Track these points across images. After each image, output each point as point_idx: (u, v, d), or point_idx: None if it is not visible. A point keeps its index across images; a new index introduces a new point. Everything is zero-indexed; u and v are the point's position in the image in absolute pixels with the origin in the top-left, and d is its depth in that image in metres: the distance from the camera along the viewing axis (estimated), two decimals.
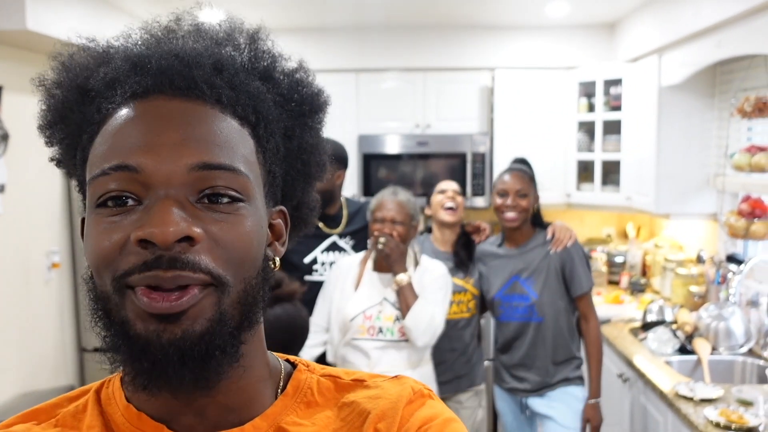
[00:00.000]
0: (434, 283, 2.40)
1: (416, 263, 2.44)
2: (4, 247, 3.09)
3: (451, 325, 2.56)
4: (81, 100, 0.62)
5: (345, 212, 2.71)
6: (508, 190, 2.58)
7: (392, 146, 4.15)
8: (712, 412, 2.20)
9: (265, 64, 0.66)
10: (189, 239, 0.54)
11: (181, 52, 0.61)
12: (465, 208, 2.87)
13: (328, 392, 0.67)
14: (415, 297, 2.31)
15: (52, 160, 0.68)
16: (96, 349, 3.65)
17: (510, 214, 2.57)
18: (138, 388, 0.57)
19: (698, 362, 2.87)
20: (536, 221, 2.68)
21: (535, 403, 2.64)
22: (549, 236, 2.62)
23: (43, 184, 3.42)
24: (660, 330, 3.08)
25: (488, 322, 3.48)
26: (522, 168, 2.68)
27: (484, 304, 2.76)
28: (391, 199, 2.38)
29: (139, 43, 0.63)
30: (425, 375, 2.39)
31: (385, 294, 2.37)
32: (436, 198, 2.75)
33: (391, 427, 0.62)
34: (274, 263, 0.65)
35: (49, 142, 0.66)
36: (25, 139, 3.13)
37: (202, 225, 0.55)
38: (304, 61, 0.70)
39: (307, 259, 2.62)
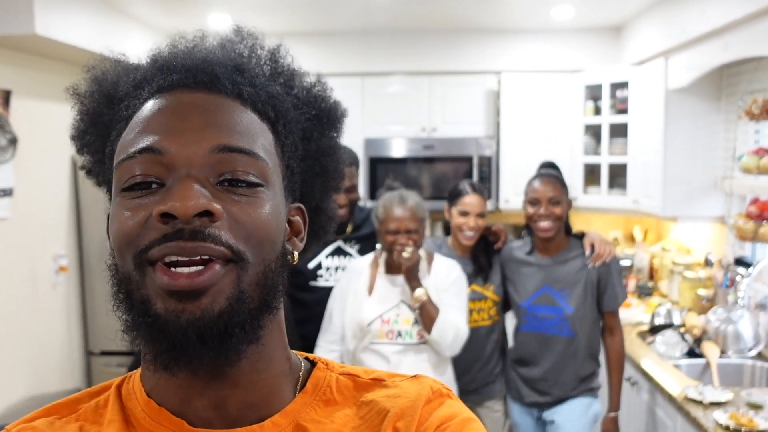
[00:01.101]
0: (451, 288, 2.34)
1: (428, 262, 2.39)
2: (13, 251, 3.10)
3: (472, 333, 2.48)
4: (110, 105, 0.65)
5: (351, 217, 2.70)
6: (540, 198, 2.46)
7: (398, 150, 4.16)
8: (721, 416, 2.19)
9: (284, 79, 0.69)
10: (209, 214, 0.56)
11: (204, 53, 0.65)
12: None
13: (347, 391, 0.67)
14: (437, 310, 2.25)
15: (82, 168, 0.71)
16: (103, 353, 3.66)
17: (544, 224, 2.46)
18: (159, 368, 0.58)
19: (707, 366, 2.85)
20: (566, 229, 2.58)
21: (550, 413, 2.59)
22: (588, 251, 2.52)
23: (51, 188, 3.44)
24: (668, 333, 3.06)
25: None
26: (553, 173, 2.58)
27: (505, 307, 2.69)
28: (401, 207, 2.30)
29: (167, 50, 0.67)
30: (447, 376, 2.37)
31: (402, 297, 2.32)
32: (458, 219, 2.59)
33: (410, 425, 0.62)
34: (293, 257, 0.66)
35: (81, 150, 0.69)
36: (34, 143, 3.15)
37: (222, 204, 0.57)
38: (321, 75, 0.73)
39: (311, 264, 2.60)
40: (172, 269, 0.56)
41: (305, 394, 0.66)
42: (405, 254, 2.25)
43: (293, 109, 0.67)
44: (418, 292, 2.26)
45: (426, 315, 2.25)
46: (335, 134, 0.73)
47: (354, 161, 2.65)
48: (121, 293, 0.59)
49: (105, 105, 0.66)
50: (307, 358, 0.71)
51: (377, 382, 0.68)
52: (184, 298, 0.55)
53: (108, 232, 0.62)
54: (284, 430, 0.62)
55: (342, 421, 0.64)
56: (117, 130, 0.64)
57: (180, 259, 0.56)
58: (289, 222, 0.67)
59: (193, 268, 0.56)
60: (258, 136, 0.62)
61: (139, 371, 0.66)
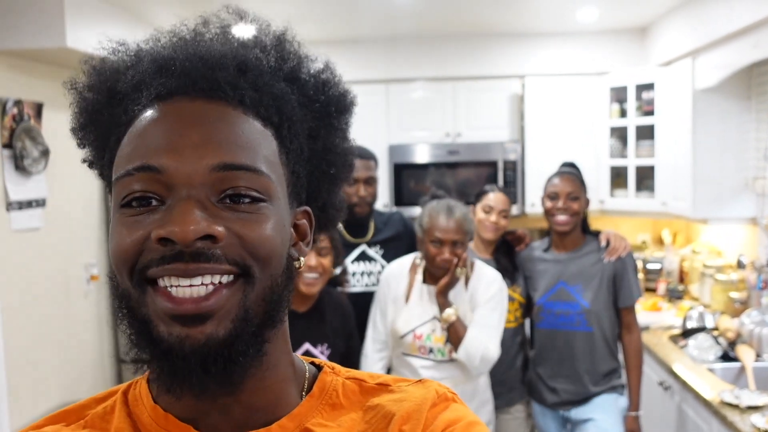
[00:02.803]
0: (489, 303, 2.28)
1: (467, 275, 2.34)
2: (46, 260, 3.16)
3: None
4: (110, 103, 0.63)
5: (372, 221, 2.69)
6: (559, 193, 2.52)
7: (423, 156, 4.16)
8: (759, 419, 2.15)
9: (291, 65, 0.66)
10: (211, 238, 0.55)
11: (205, 54, 0.61)
12: None
13: (354, 395, 0.67)
14: (465, 329, 2.21)
15: (84, 161, 0.70)
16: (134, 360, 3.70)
17: (561, 218, 2.51)
18: (162, 389, 0.59)
19: (742, 370, 2.80)
20: (584, 227, 2.62)
21: (577, 412, 2.57)
22: (603, 243, 2.55)
23: (83, 198, 3.50)
24: (701, 337, 3.01)
25: None
26: (572, 171, 2.63)
27: (528, 310, 2.70)
28: (448, 219, 2.23)
29: (167, 46, 0.64)
30: (478, 395, 2.33)
31: (435, 312, 2.27)
32: (481, 214, 2.64)
33: (416, 428, 0.63)
34: (299, 263, 0.65)
35: (81, 144, 0.68)
36: (65, 154, 3.21)
37: (224, 224, 0.56)
38: (330, 62, 0.70)
39: (337, 270, 2.61)
40: (173, 289, 0.54)
41: (312, 398, 0.66)
42: (458, 273, 2.22)
43: (299, 108, 0.65)
44: (447, 312, 2.21)
45: (454, 335, 2.21)
46: (345, 126, 0.70)
47: (371, 156, 2.65)
48: (123, 308, 0.58)
49: (105, 100, 0.63)
50: (312, 363, 0.71)
51: (383, 387, 0.68)
52: (188, 322, 0.54)
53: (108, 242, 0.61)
54: None
55: (348, 425, 0.64)
56: (116, 135, 0.62)
57: (181, 282, 0.55)
58: (295, 227, 0.65)
59: (195, 290, 0.54)
60: (261, 148, 0.60)
61: (145, 376, 0.66)
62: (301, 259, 0.65)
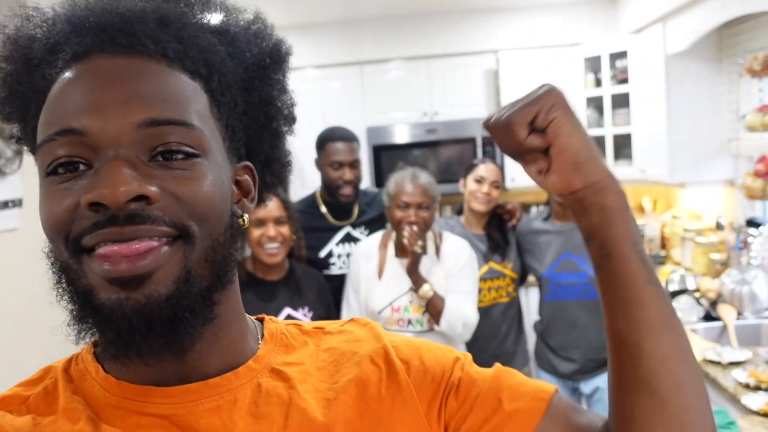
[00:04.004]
0: (462, 272, 2.31)
1: (437, 245, 2.38)
2: (24, 262, 3.12)
3: (489, 311, 2.49)
4: (27, 71, 0.59)
5: (356, 203, 2.68)
6: None
7: (401, 136, 4.16)
8: (741, 374, 2.18)
9: (218, 17, 0.63)
10: (144, 198, 0.52)
11: (122, 9, 0.57)
12: None
13: (298, 336, 0.69)
14: (443, 301, 2.23)
15: (11, 137, 0.66)
16: None
17: None
18: (108, 358, 0.57)
19: (724, 328, 2.84)
20: None
21: (587, 384, 2.58)
22: None
23: None
24: (683, 299, 3.05)
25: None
26: None
27: (521, 282, 2.70)
28: (413, 183, 2.29)
29: (82, 5, 0.60)
30: None
31: (411, 283, 2.29)
32: (472, 185, 2.61)
33: (389, 357, 0.68)
34: (243, 221, 0.62)
35: (6, 119, 0.64)
36: None
37: (158, 183, 0.53)
38: (261, 12, 0.67)
39: (322, 253, 2.59)
40: (110, 254, 0.52)
41: (267, 343, 0.66)
42: (416, 248, 2.22)
43: (229, 59, 0.61)
44: (423, 289, 2.23)
45: (433, 309, 2.23)
46: (281, 78, 0.67)
47: (354, 138, 2.63)
48: (63, 283, 0.56)
49: (22, 69, 0.59)
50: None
51: (319, 329, 0.72)
52: (126, 285, 0.52)
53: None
54: (260, 373, 0.63)
55: (308, 360, 0.66)
56: (35, 103, 0.58)
57: (117, 247, 0.52)
58: (237, 183, 0.63)
59: (134, 245, 0.52)
60: (190, 101, 0.57)
61: (88, 350, 0.63)
62: (245, 216, 0.62)
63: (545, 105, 0.63)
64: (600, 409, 2.51)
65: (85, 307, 0.54)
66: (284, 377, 0.63)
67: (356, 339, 0.69)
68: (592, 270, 2.31)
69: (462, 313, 2.24)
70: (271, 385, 0.62)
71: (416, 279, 2.25)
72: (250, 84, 0.64)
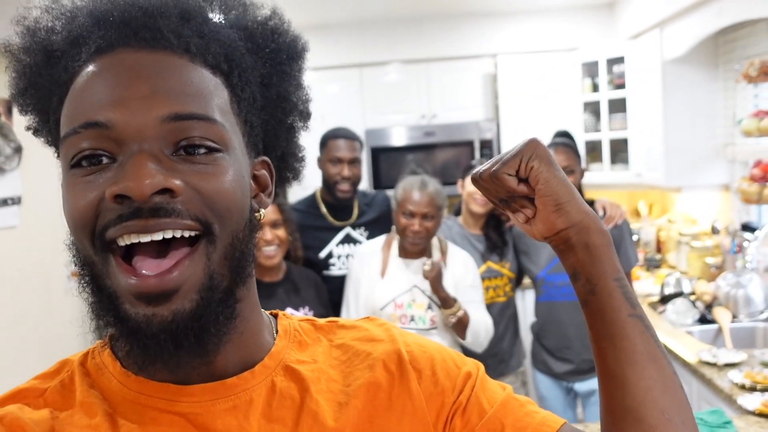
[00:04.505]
0: (474, 283, 2.37)
1: (442, 251, 2.39)
2: (23, 259, 3.13)
3: (487, 310, 2.49)
4: (48, 63, 0.60)
5: (356, 203, 2.70)
6: None
7: (399, 138, 4.18)
8: (737, 375, 2.20)
9: (236, 13, 0.64)
10: (168, 192, 0.53)
11: (145, 4, 0.58)
12: None
13: (311, 332, 0.70)
14: (467, 315, 2.25)
15: (28, 129, 0.66)
16: None
17: None
18: (132, 367, 0.58)
19: (719, 331, 2.86)
20: None
21: (582, 385, 2.60)
22: (600, 213, 2.55)
23: (59, 194, 3.44)
24: (679, 302, 3.07)
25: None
26: (567, 142, 2.59)
27: (518, 284, 2.72)
28: (420, 192, 2.29)
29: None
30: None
31: (415, 281, 2.30)
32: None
33: (402, 363, 0.68)
34: (260, 215, 0.63)
35: (23, 110, 0.64)
36: (39, 150, 3.15)
37: (181, 177, 0.54)
38: (278, 8, 0.68)
39: (322, 254, 2.59)
40: (136, 268, 0.53)
41: (281, 339, 0.67)
42: (426, 267, 2.22)
43: (248, 55, 0.62)
44: (456, 307, 2.23)
45: (460, 324, 2.24)
46: (297, 74, 0.68)
47: (355, 137, 2.65)
48: (87, 276, 0.57)
49: (42, 61, 0.60)
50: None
51: (333, 323, 0.72)
52: (153, 300, 0.53)
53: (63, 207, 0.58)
54: (274, 371, 0.63)
55: (320, 358, 0.67)
56: (58, 95, 0.59)
57: (141, 239, 0.53)
58: (255, 177, 0.64)
59: (163, 263, 0.53)
60: (212, 96, 0.57)
61: (104, 344, 0.63)
62: (261, 211, 0.64)
63: (525, 155, 0.67)
64: (596, 411, 2.55)
65: (109, 310, 0.55)
66: (297, 377, 0.64)
67: (371, 338, 0.70)
68: None
69: (484, 322, 2.31)
70: (285, 386, 0.63)
71: (445, 297, 2.23)
72: (268, 79, 0.65)
